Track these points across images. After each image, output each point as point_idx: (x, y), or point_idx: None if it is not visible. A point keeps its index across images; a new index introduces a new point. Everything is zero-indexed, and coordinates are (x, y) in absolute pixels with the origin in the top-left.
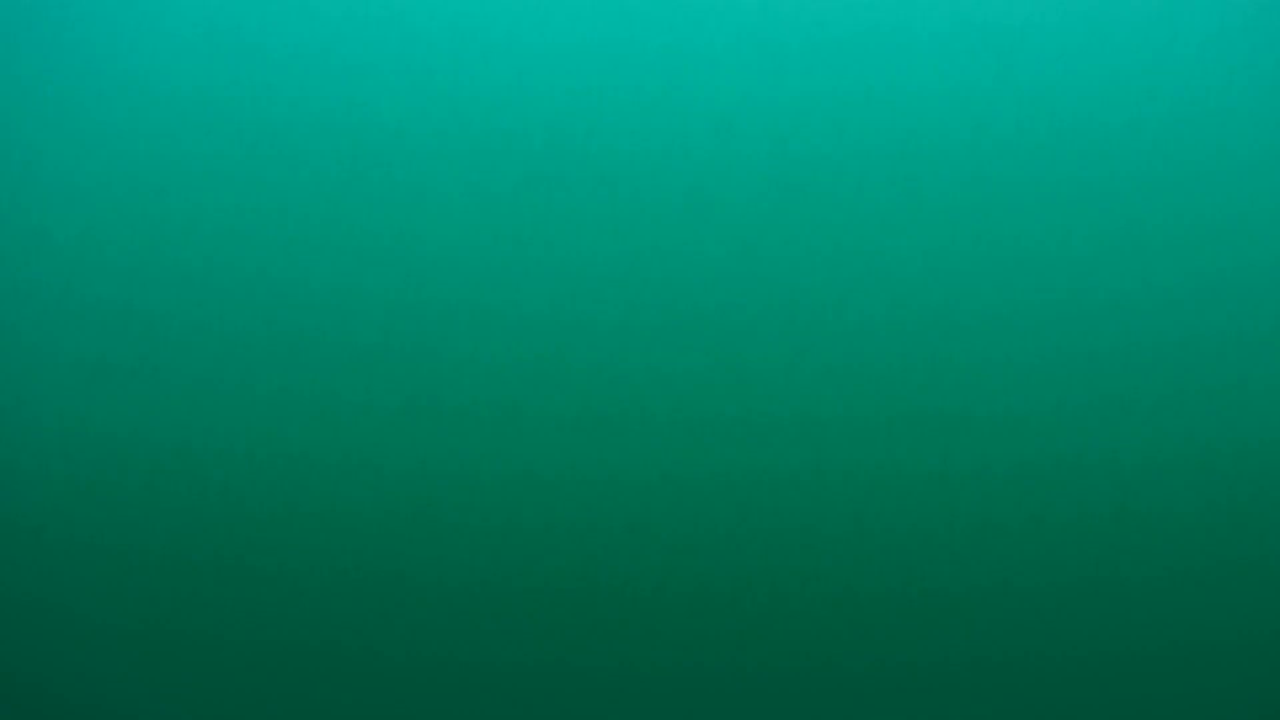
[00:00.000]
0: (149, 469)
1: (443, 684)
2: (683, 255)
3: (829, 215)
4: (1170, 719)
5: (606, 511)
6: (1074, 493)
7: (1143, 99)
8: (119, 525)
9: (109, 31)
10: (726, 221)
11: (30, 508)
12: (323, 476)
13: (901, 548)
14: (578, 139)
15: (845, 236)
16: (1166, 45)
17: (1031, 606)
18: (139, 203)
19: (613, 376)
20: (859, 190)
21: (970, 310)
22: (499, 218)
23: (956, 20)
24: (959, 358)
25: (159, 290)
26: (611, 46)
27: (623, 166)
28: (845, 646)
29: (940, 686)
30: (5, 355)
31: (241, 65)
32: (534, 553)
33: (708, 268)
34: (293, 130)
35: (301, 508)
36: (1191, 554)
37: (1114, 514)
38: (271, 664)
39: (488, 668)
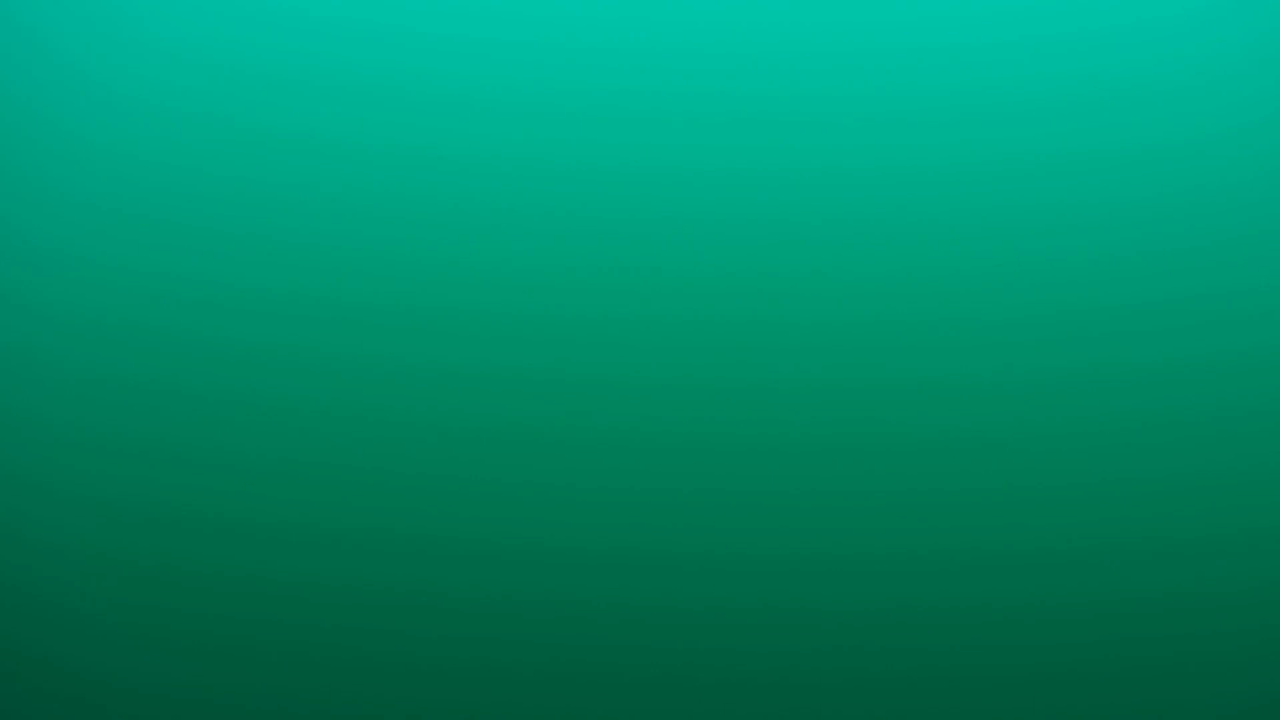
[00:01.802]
0: (152, 480)
1: (437, 696)
2: (678, 263)
3: (825, 228)
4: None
5: (605, 527)
6: (1080, 511)
7: (1141, 119)
8: (118, 534)
9: (107, 42)
10: (720, 232)
11: (32, 516)
12: (322, 487)
13: (904, 563)
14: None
15: (844, 249)
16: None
17: (1034, 622)
18: (136, 213)
19: (609, 383)
20: (857, 202)
21: (975, 321)
22: (500, 227)
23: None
24: (964, 370)
25: (163, 301)
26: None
27: (615, 162)
28: (849, 660)
29: (945, 692)
30: (7, 366)
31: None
32: (533, 567)
33: (707, 281)
34: (296, 145)
35: (304, 518)
36: (1200, 568)
37: (1119, 529)
38: (270, 673)
39: (485, 681)
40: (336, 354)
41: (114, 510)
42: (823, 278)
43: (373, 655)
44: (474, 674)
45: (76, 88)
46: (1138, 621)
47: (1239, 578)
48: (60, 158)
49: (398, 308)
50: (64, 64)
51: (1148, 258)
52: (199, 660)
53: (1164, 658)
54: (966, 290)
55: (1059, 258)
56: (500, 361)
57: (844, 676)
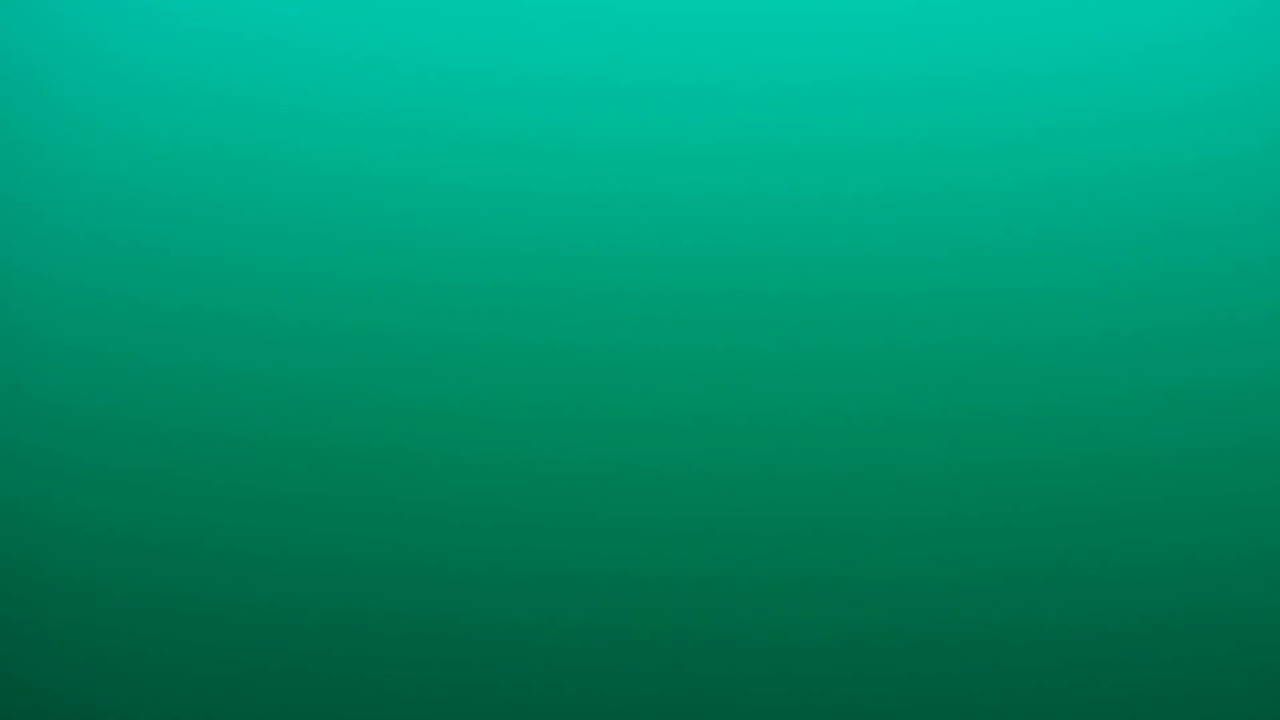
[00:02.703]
0: (150, 462)
1: (437, 677)
2: (679, 291)
3: (826, 215)
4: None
5: (602, 554)
6: (1083, 535)
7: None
8: (117, 516)
9: (112, 31)
10: (724, 214)
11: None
12: (312, 515)
13: (908, 588)
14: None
15: (843, 238)
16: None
17: (1033, 602)
18: (138, 194)
19: (610, 372)
20: (858, 192)
21: (978, 346)
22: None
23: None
24: (963, 355)
25: (159, 283)
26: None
27: (608, 161)
28: (846, 642)
29: (938, 686)
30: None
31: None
32: (529, 593)
33: (708, 310)
34: (302, 131)
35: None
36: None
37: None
38: (272, 660)
39: (488, 663)
40: (323, 381)
41: (104, 540)
42: (825, 304)
43: (365, 683)
44: (471, 701)
45: (61, 114)
46: (1139, 645)
47: (1244, 601)
48: (43, 183)
49: (387, 335)
50: (47, 90)
51: (1157, 282)
52: (190, 689)
53: (1162, 680)
54: (973, 316)
55: (1067, 282)
56: (492, 389)
57: (848, 701)
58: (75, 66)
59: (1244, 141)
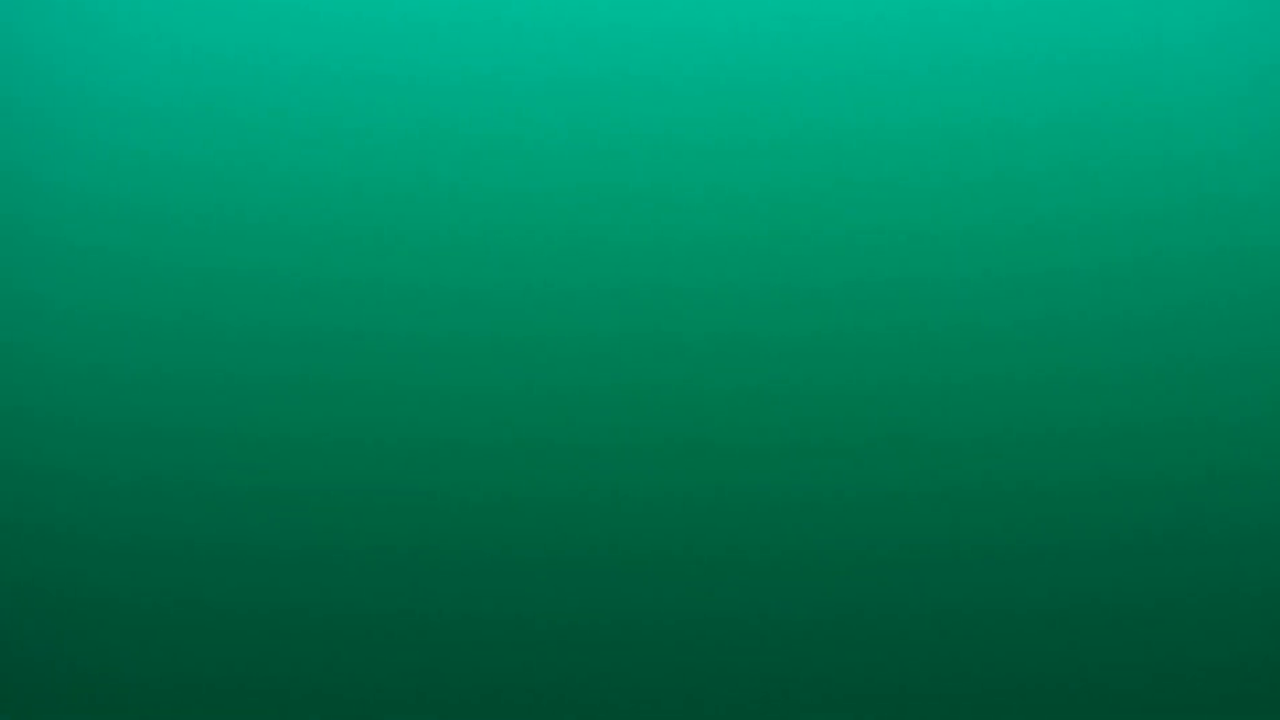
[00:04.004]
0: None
1: (442, 673)
2: (681, 271)
3: (826, 214)
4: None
5: (607, 537)
6: (1084, 509)
7: (1142, 95)
8: (119, 520)
9: (110, 37)
10: (722, 228)
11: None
12: (323, 468)
13: (905, 565)
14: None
15: (846, 240)
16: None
17: (1037, 622)
18: (136, 203)
19: (614, 395)
20: (856, 192)
21: (980, 322)
22: (501, 221)
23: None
24: (964, 371)
25: (157, 293)
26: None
27: (621, 169)
28: (848, 663)
29: (941, 704)
30: (6, 358)
31: (242, 76)
32: (532, 581)
33: (707, 284)
34: (296, 132)
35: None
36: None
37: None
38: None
39: (490, 679)
40: (321, 378)
41: (111, 495)
42: (829, 290)
43: (381, 685)
44: (477, 695)
45: (72, 86)
46: (1140, 623)
47: (1244, 578)
48: (60, 154)
49: (384, 328)
50: (58, 64)
51: (1156, 263)
52: (196, 693)
53: (1165, 660)
54: (974, 293)
55: (1073, 271)
56: (492, 385)
57: (849, 683)
58: (81, 41)
59: (1258, 135)
